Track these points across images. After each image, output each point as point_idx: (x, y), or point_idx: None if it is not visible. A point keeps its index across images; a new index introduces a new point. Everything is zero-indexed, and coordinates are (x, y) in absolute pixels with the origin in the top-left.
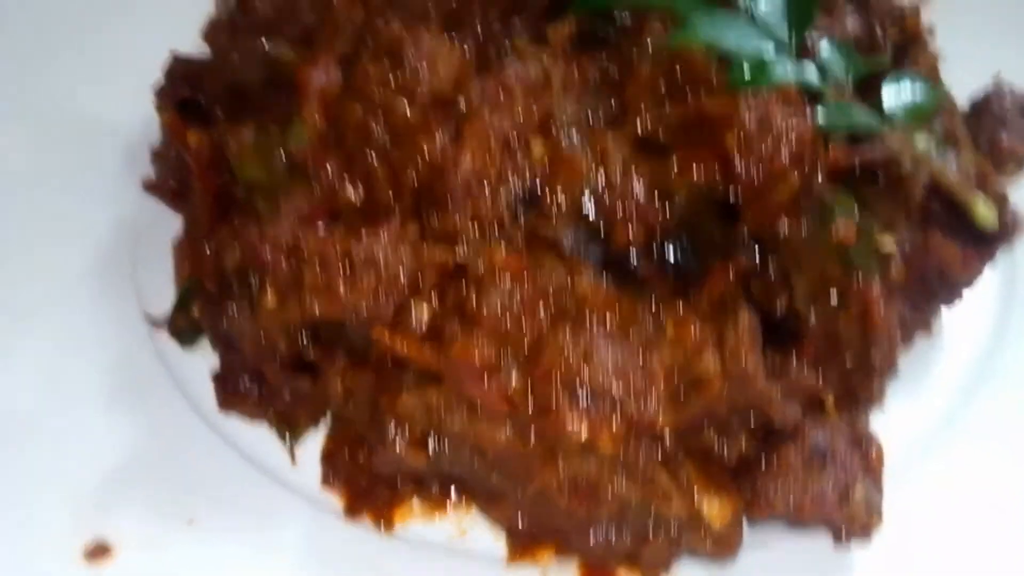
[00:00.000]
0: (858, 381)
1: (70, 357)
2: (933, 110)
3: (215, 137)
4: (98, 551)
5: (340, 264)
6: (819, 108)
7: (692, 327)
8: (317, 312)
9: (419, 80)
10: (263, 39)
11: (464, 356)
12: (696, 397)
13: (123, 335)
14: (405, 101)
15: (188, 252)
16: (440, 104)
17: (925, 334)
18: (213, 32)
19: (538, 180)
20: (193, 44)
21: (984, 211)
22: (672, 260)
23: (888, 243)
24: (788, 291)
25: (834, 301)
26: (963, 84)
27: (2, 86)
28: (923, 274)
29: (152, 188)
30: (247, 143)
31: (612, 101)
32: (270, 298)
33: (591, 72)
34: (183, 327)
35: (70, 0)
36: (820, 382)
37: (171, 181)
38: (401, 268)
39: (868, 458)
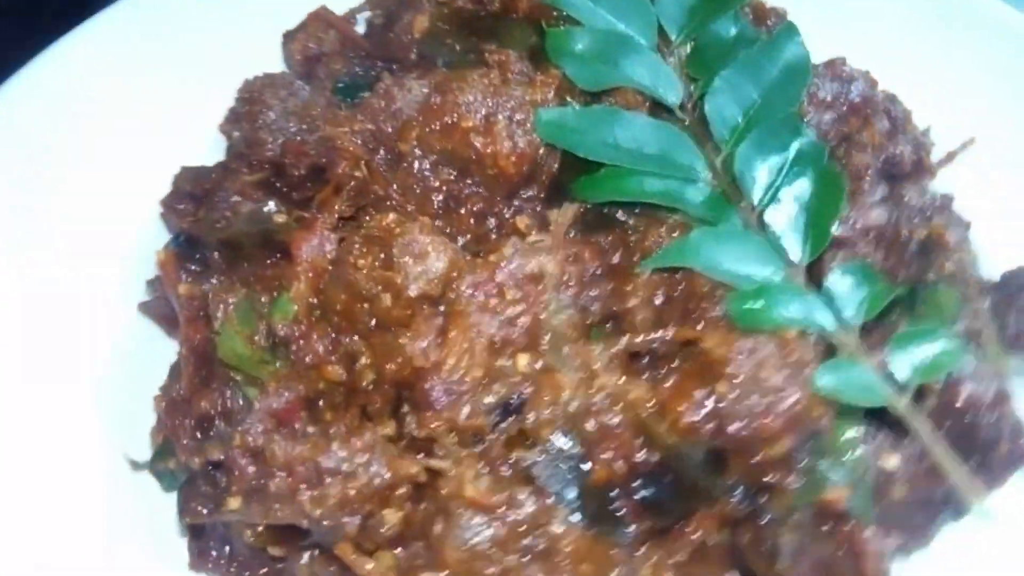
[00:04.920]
0: None
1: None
2: (949, 366)
3: (205, 291)
4: None
5: (307, 473)
6: (821, 369)
7: None
8: (280, 519)
9: (406, 276)
10: (260, 198)
11: None
12: None
13: (108, 469)
14: (389, 296)
15: (168, 410)
16: (427, 299)
17: (922, 545)
18: (219, 170)
19: (522, 392)
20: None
21: (976, 504)
22: (651, 497)
23: (891, 462)
24: (774, 547)
25: (824, 544)
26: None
27: None
28: (929, 496)
29: (147, 310)
30: (232, 314)
31: (608, 300)
32: (233, 501)
33: (591, 259)
34: (164, 471)
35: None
36: None
37: (165, 308)
38: (372, 480)
39: None
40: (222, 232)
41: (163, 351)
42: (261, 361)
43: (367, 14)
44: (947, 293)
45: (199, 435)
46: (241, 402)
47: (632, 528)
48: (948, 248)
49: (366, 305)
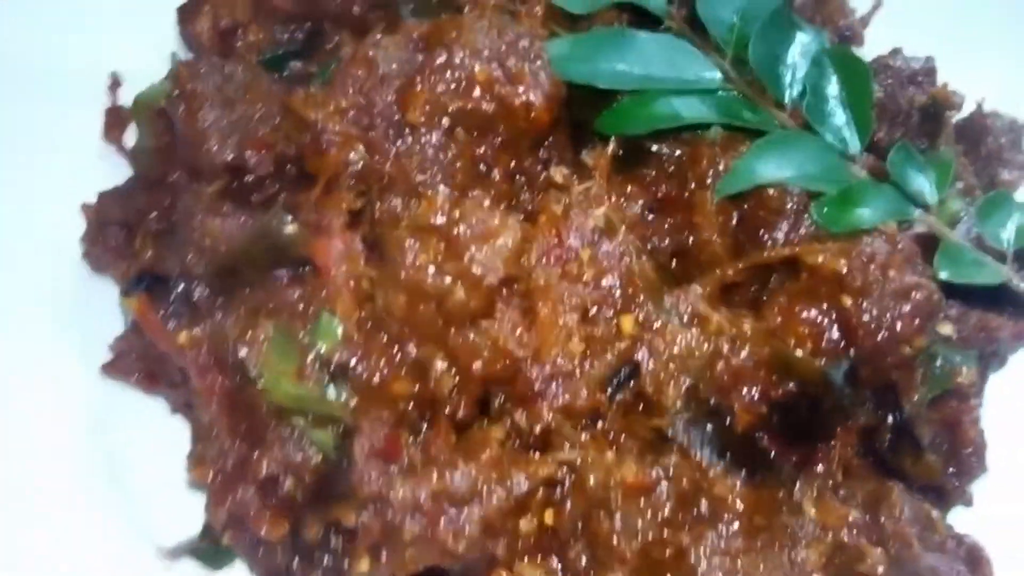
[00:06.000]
0: (951, 486)
1: None
2: None
3: (210, 333)
4: None
5: (439, 507)
6: (937, 259)
7: (836, 509)
8: (420, 567)
9: (481, 263)
10: (231, 211)
11: None
12: None
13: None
14: (462, 289)
15: (222, 482)
16: (507, 281)
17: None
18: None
19: (635, 356)
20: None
21: None
22: (793, 428)
23: (947, 329)
24: (914, 442)
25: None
26: None
27: None
28: (980, 351)
29: (115, 371)
30: (267, 352)
31: (674, 235)
32: (363, 564)
33: (640, 196)
34: (207, 550)
35: None
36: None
37: (139, 363)
38: (510, 493)
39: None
40: (209, 260)
41: (138, 414)
42: (322, 397)
43: None
44: (947, 152)
45: (273, 500)
46: (310, 450)
47: (784, 465)
48: (956, 109)
49: (431, 304)
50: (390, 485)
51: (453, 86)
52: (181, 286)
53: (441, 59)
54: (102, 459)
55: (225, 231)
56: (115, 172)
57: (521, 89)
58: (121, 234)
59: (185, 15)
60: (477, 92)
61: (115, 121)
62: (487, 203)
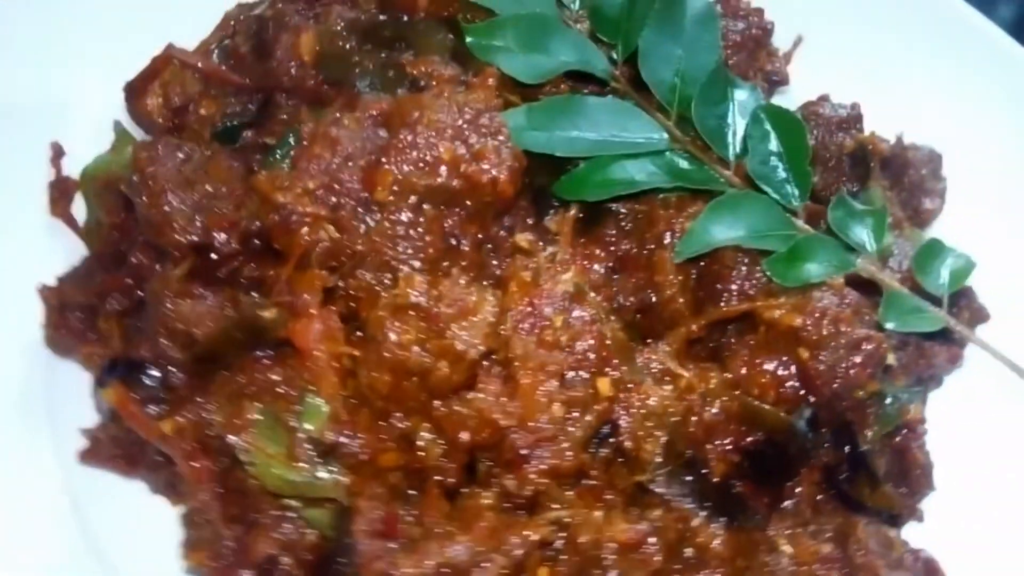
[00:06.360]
0: (902, 505)
1: None
2: (969, 268)
3: (195, 420)
4: None
5: None
6: (882, 310)
7: (809, 545)
8: None
9: (464, 339)
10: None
11: None
12: None
13: None
14: (446, 364)
15: (221, 569)
16: (488, 353)
17: None
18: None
19: (614, 416)
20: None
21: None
22: (762, 472)
23: (891, 358)
24: (872, 474)
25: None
26: None
27: None
28: (919, 376)
29: (94, 459)
30: (256, 438)
31: (636, 294)
32: None
33: (602, 257)
34: None
35: None
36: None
37: (116, 448)
38: (510, 557)
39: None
40: (184, 345)
41: (118, 498)
42: (314, 480)
43: (220, 43)
44: (878, 196)
45: None
46: (306, 528)
47: (758, 507)
48: (884, 154)
49: (414, 379)
50: (394, 564)
51: (420, 165)
52: (156, 371)
53: (406, 140)
54: (89, 551)
55: (197, 314)
56: (66, 247)
57: (486, 166)
58: (83, 316)
59: (133, 92)
60: (443, 171)
61: (61, 194)
62: (463, 280)
